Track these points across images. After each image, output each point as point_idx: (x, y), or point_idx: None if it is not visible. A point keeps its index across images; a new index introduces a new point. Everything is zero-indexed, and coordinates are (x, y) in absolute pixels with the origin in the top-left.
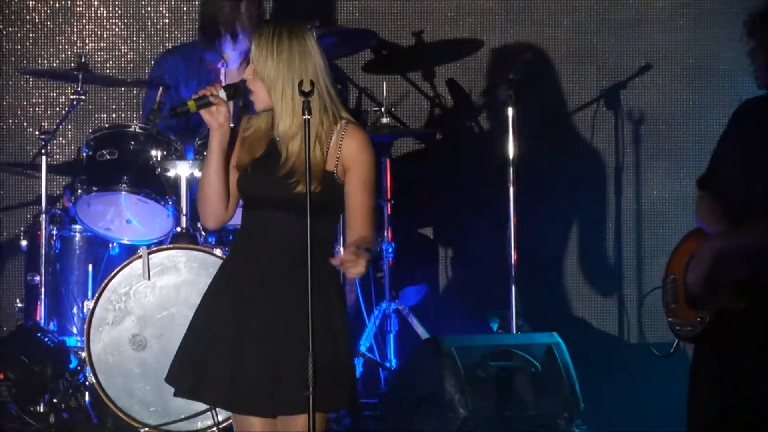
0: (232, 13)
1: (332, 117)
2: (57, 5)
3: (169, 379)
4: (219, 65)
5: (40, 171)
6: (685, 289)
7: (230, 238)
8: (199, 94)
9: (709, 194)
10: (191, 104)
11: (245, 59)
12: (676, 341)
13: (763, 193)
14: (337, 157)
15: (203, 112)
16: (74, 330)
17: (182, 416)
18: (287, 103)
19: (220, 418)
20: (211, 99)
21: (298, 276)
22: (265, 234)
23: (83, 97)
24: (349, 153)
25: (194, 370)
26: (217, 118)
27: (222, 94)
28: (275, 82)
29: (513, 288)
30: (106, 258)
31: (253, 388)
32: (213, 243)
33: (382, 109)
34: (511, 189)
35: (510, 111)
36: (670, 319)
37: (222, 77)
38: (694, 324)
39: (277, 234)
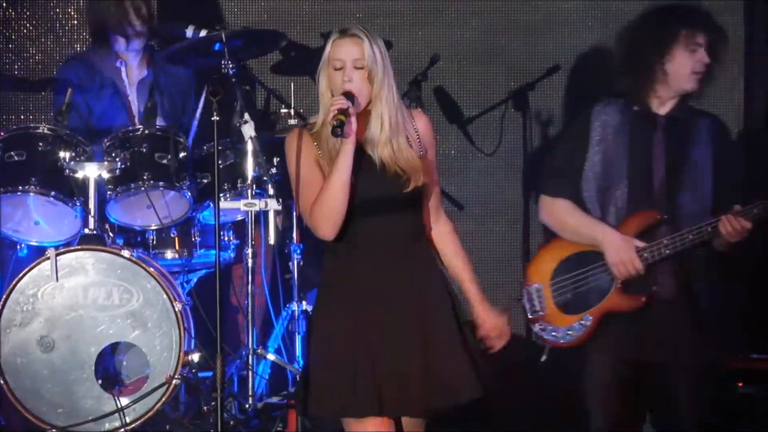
0: (120, 13)
1: (405, 117)
2: None
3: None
4: (118, 64)
5: None
6: (554, 295)
7: (138, 239)
8: (338, 108)
9: (569, 201)
10: (341, 117)
11: (144, 56)
12: (548, 348)
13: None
14: (419, 142)
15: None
16: None
17: (90, 418)
18: (390, 103)
19: (128, 420)
20: (350, 110)
21: (418, 270)
22: (379, 237)
23: None
24: (425, 134)
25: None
26: (353, 127)
27: (348, 104)
28: (382, 83)
29: None
30: (14, 259)
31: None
32: (121, 244)
33: (291, 111)
34: None
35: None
36: (539, 327)
37: (123, 75)
38: (576, 327)
39: (391, 234)
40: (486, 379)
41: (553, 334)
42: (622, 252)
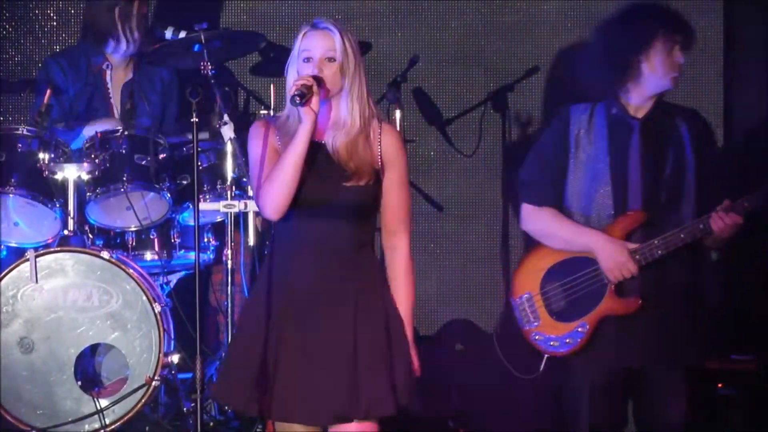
0: (123, 16)
1: (372, 115)
2: None
3: (229, 396)
4: (104, 67)
5: None
6: (546, 304)
7: (117, 241)
8: (302, 83)
9: (554, 209)
10: (303, 90)
11: (130, 60)
12: (545, 358)
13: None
14: (380, 155)
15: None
16: None
17: (69, 419)
18: (361, 98)
19: (108, 421)
20: (313, 89)
21: (351, 279)
22: (319, 238)
23: None
24: (388, 150)
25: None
26: (314, 107)
27: (313, 82)
28: (354, 77)
29: None
30: None
31: (331, 396)
32: (101, 246)
33: (270, 112)
34: None
35: (398, 113)
36: (536, 338)
37: (107, 78)
38: (573, 335)
39: (331, 237)
40: (404, 399)
41: (552, 343)
42: (616, 256)
